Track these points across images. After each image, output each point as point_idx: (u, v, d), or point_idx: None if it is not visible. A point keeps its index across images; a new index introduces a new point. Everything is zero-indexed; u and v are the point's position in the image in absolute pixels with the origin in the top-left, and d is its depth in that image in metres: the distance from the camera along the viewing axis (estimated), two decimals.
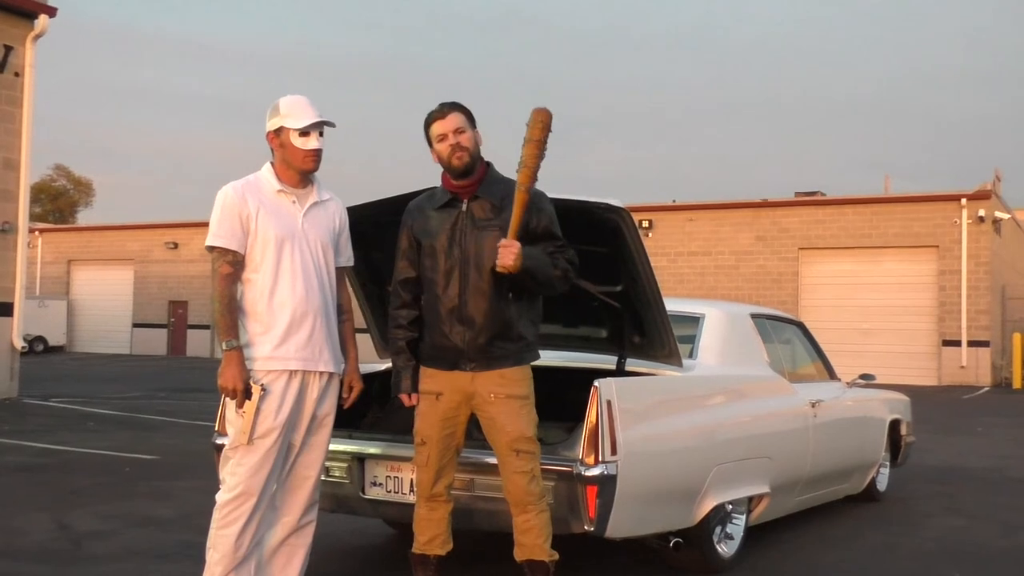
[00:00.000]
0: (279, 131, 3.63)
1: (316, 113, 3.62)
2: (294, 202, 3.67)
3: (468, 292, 3.63)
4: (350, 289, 4.06)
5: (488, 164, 3.76)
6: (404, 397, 3.80)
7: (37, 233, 37.16)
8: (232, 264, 3.56)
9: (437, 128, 3.67)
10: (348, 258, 3.88)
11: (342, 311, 3.83)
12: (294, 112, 3.61)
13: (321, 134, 3.64)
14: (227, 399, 3.55)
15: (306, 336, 3.59)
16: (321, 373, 3.65)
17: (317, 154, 3.64)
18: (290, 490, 3.70)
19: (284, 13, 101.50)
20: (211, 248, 3.59)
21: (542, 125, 3.52)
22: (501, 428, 3.62)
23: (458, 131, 3.65)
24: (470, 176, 3.69)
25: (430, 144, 3.72)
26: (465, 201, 3.71)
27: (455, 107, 3.70)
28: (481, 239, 3.65)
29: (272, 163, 3.70)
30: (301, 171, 3.66)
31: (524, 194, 3.54)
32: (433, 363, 3.73)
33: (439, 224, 3.71)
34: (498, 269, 3.54)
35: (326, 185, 3.81)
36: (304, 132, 3.60)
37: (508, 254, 3.50)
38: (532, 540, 3.60)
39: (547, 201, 3.74)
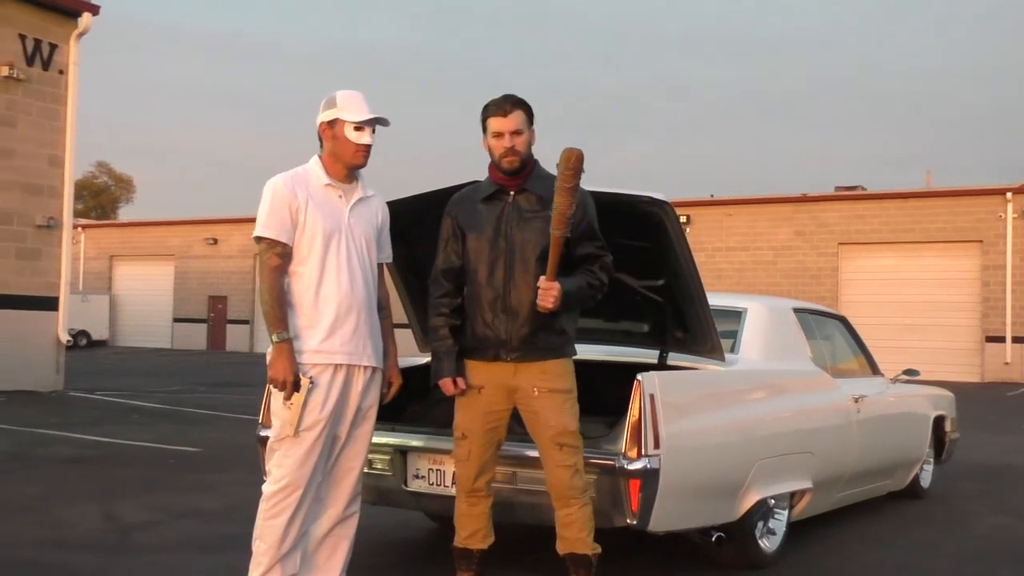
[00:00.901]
0: (333, 123, 3.65)
1: (372, 110, 3.65)
2: (340, 196, 3.70)
3: (513, 283, 3.64)
4: (389, 285, 4.08)
5: (536, 161, 3.77)
6: (448, 383, 3.75)
7: (80, 229, 37.72)
8: (281, 256, 3.59)
9: (495, 124, 3.66)
10: (388, 255, 3.91)
11: (381, 307, 3.85)
12: (351, 106, 3.64)
13: (374, 131, 3.67)
14: (273, 391, 3.59)
15: (351, 330, 3.62)
16: (365, 367, 3.68)
17: (368, 150, 3.66)
18: (335, 482, 3.73)
19: (330, 11, 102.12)
20: (259, 239, 3.62)
21: (574, 172, 3.44)
22: (545, 422, 3.62)
23: (516, 133, 3.65)
24: (519, 174, 3.70)
25: (484, 131, 3.72)
26: (512, 193, 3.72)
27: (518, 104, 3.67)
28: (526, 230, 3.66)
29: (320, 156, 3.73)
30: (350, 166, 3.68)
31: (559, 239, 3.51)
32: (475, 354, 3.74)
33: (485, 215, 3.73)
34: (539, 309, 3.55)
35: (370, 182, 3.83)
36: (359, 127, 3.62)
37: (548, 297, 3.52)
38: (575, 534, 3.61)
39: (591, 200, 3.73)
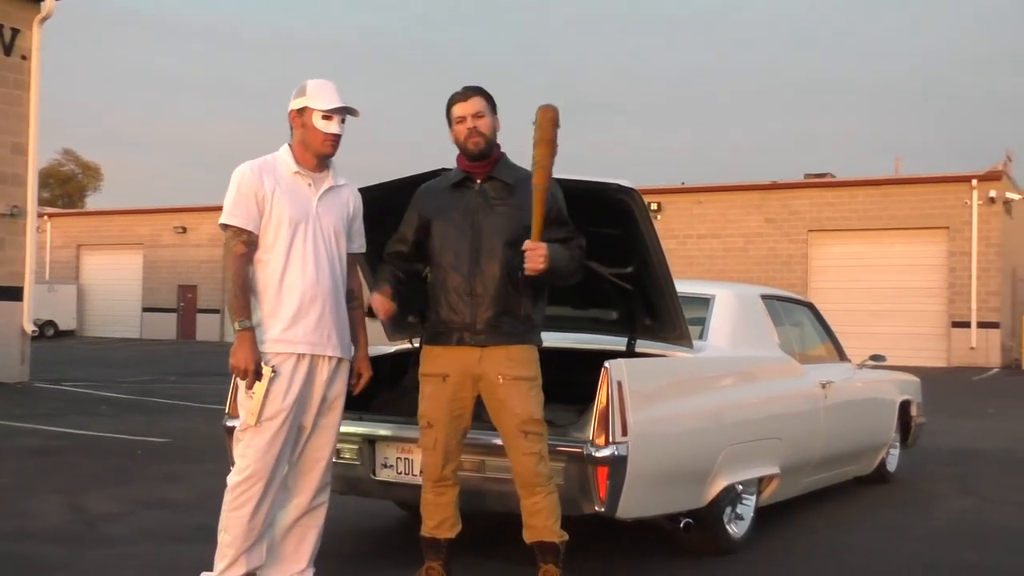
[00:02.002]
0: (302, 111, 3.63)
1: (341, 99, 3.63)
2: (310, 185, 3.67)
3: (479, 268, 3.66)
4: (361, 276, 4.07)
5: (503, 153, 3.80)
6: (377, 296, 3.73)
7: (46, 218, 37.26)
8: (246, 244, 3.57)
9: (457, 110, 3.72)
10: (360, 244, 3.89)
11: (352, 297, 3.83)
12: (320, 94, 3.62)
13: (343, 120, 3.65)
14: (238, 380, 3.56)
15: (315, 320, 3.60)
16: (330, 357, 3.65)
17: (336, 139, 3.64)
18: (302, 472, 3.71)
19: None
20: (225, 227, 3.59)
21: (551, 123, 3.51)
22: (510, 410, 3.62)
23: (477, 115, 3.69)
24: (485, 159, 3.73)
25: (449, 124, 3.76)
26: (479, 181, 3.74)
27: (477, 91, 3.74)
28: (493, 216, 3.69)
29: (290, 144, 3.71)
30: (319, 154, 3.66)
31: (543, 193, 3.53)
32: (438, 339, 3.74)
33: (451, 202, 3.76)
34: (527, 272, 3.55)
35: (342, 171, 3.81)
36: (327, 115, 3.60)
37: (537, 257, 3.53)
38: (541, 522, 3.62)
39: (558, 188, 3.75)
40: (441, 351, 3.73)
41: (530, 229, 3.58)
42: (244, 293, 3.55)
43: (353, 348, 3.80)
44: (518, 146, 3.79)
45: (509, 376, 3.64)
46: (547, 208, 3.60)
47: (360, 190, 3.95)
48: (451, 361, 3.70)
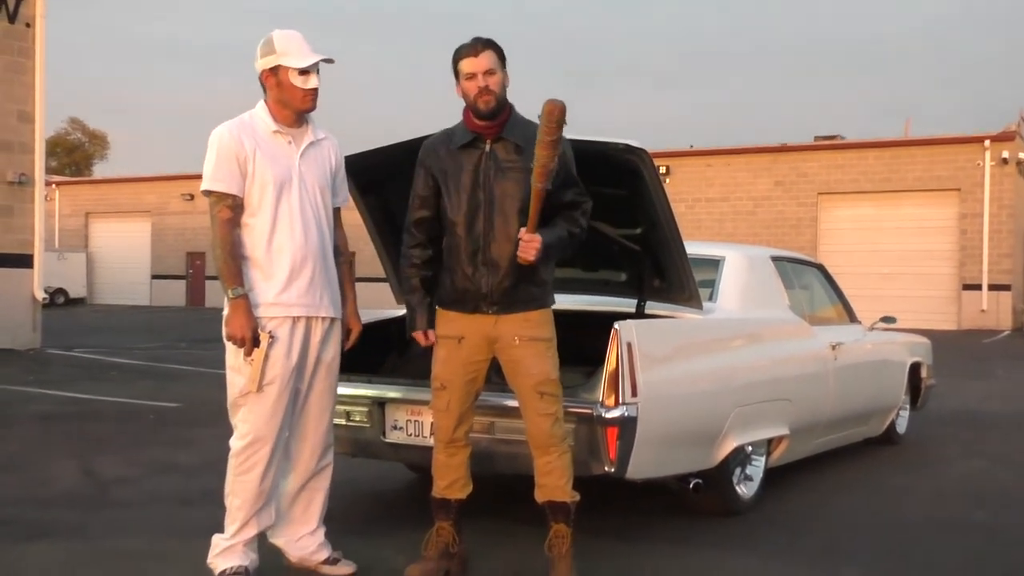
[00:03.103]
0: (275, 69, 3.52)
1: (313, 50, 3.53)
2: (290, 143, 3.59)
3: (493, 235, 3.58)
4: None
5: (512, 106, 3.67)
6: (420, 335, 3.73)
7: (54, 186, 37.28)
8: (232, 208, 3.49)
9: (467, 66, 3.56)
10: (344, 198, 3.82)
11: (339, 252, 3.76)
12: (291, 50, 3.51)
13: (318, 71, 3.56)
14: (229, 347, 3.52)
15: (307, 282, 3.54)
16: (323, 318, 3.62)
17: (315, 93, 3.55)
18: (303, 436, 3.69)
19: None
20: (208, 192, 3.52)
21: (557, 124, 3.36)
22: (526, 371, 3.60)
23: (488, 72, 3.55)
24: (495, 119, 3.61)
25: (456, 78, 3.62)
26: (488, 141, 3.63)
27: (488, 45, 3.58)
28: (506, 181, 3.58)
29: (265, 101, 3.60)
30: (299, 111, 3.58)
31: (540, 193, 3.44)
32: (454, 306, 3.69)
33: (461, 164, 3.63)
34: (519, 261, 3.51)
35: (322, 125, 3.72)
36: (304, 71, 3.51)
37: (530, 250, 3.47)
38: (554, 481, 3.61)
39: (568, 146, 3.67)
40: (456, 315, 3.69)
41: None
42: (234, 259, 3.48)
43: (343, 306, 3.74)
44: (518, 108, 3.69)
45: (525, 337, 3.61)
46: (555, 177, 3.50)
47: (360, 155, 3.88)
48: (466, 325, 3.66)
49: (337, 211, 3.78)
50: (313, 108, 3.59)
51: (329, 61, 3.58)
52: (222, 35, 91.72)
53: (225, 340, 3.50)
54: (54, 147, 53.21)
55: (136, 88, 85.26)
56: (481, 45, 3.57)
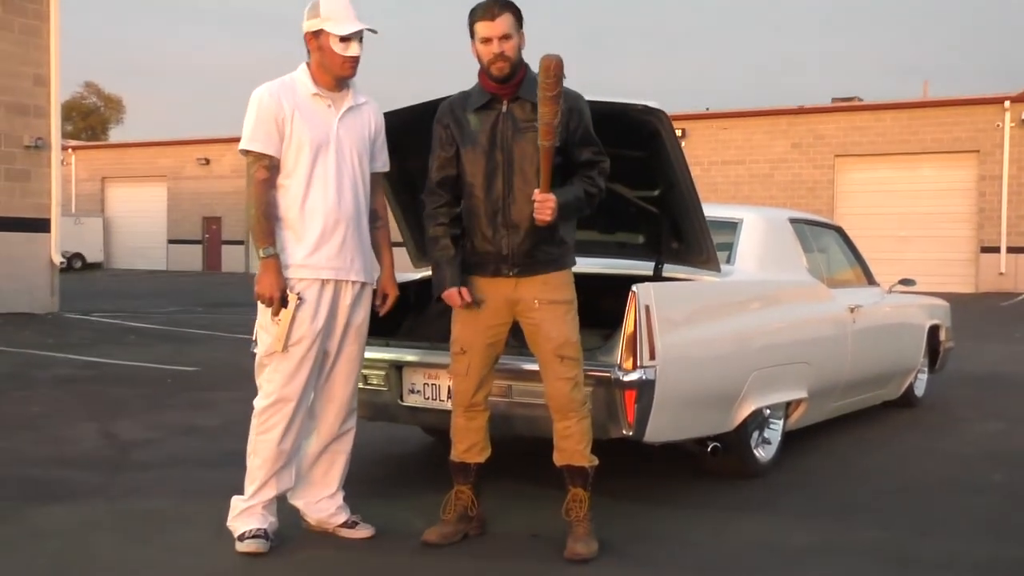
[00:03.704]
0: (318, 33, 3.54)
1: (357, 18, 3.53)
2: (329, 106, 3.60)
3: (512, 196, 3.56)
4: (384, 196, 4.01)
5: (527, 66, 3.63)
6: (453, 294, 3.61)
7: (70, 151, 37.34)
8: (268, 169, 3.51)
9: (483, 29, 3.52)
10: (384, 163, 3.82)
11: (377, 217, 3.78)
12: (335, 15, 3.51)
13: (360, 40, 3.56)
14: (261, 307, 3.56)
15: (338, 245, 3.56)
16: (353, 282, 3.62)
17: (355, 61, 3.56)
18: (328, 399, 3.72)
19: None
20: (246, 152, 3.54)
21: (555, 79, 3.32)
22: (546, 334, 3.58)
23: (504, 37, 3.50)
24: (510, 81, 3.57)
25: (472, 37, 3.57)
26: (505, 102, 3.59)
27: (506, 7, 3.52)
28: (523, 141, 3.55)
29: (308, 64, 3.63)
30: (339, 77, 3.58)
31: (548, 151, 3.41)
32: (474, 269, 3.67)
33: (478, 125, 3.60)
34: (536, 223, 3.47)
35: (362, 89, 3.73)
36: (345, 39, 3.51)
37: (545, 210, 3.43)
38: (572, 445, 3.61)
39: (585, 104, 3.63)
40: (475, 279, 3.66)
41: (559, 151, 3.48)
42: (267, 219, 3.51)
43: (378, 269, 3.77)
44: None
45: (545, 300, 3.59)
46: (565, 132, 3.49)
47: (384, 115, 3.87)
48: (486, 288, 3.64)
49: (376, 176, 3.77)
50: (352, 75, 3.59)
51: (372, 31, 3.57)
52: None
53: (255, 298, 3.52)
54: (70, 111, 53.26)
55: (152, 52, 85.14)
56: (498, 8, 3.52)
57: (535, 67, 3.39)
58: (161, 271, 34.92)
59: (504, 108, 3.59)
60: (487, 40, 3.52)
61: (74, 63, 66.44)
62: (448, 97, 3.78)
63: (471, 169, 3.61)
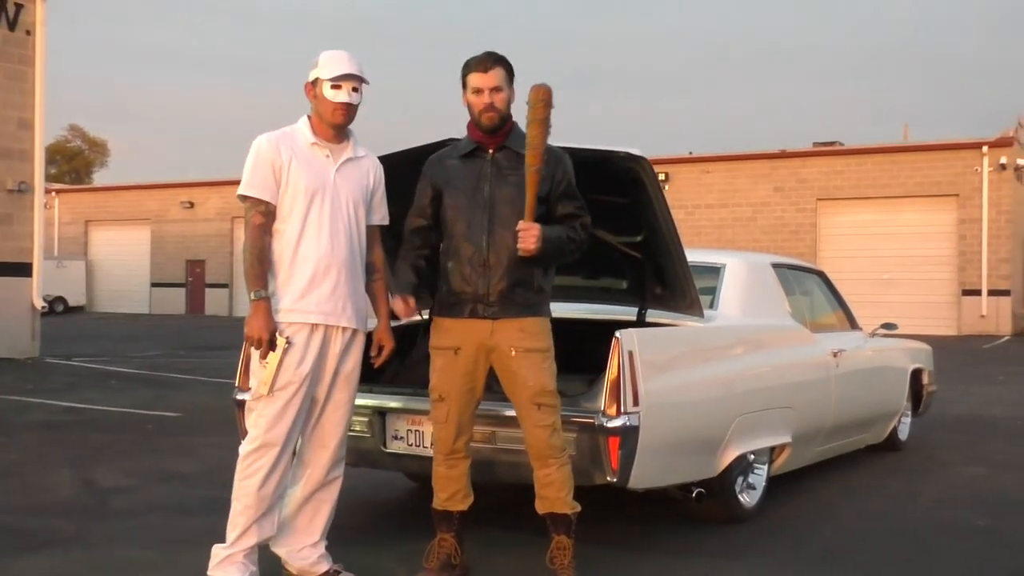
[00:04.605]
0: (315, 82, 3.61)
1: (351, 67, 3.58)
2: (327, 156, 3.64)
3: (492, 238, 3.60)
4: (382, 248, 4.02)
5: (515, 121, 3.72)
6: (399, 301, 3.66)
7: (54, 194, 37.29)
8: (264, 215, 3.56)
9: (475, 80, 3.62)
10: (382, 217, 3.84)
11: (374, 269, 3.80)
12: (330, 64, 3.59)
13: (356, 89, 3.60)
14: (252, 350, 3.55)
15: (329, 290, 3.57)
16: (344, 328, 3.63)
17: (346, 108, 3.59)
18: (316, 446, 3.70)
19: None
20: (243, 198, 3.58)
21: (544, 103, 3.43)
22: (523, 382, 3.59)
23: (495, 90, 3.60)
24: (497, 133, 3.66)
25: (464, 88, 3.67)
26: (491, 151, 3.68)
27: (499, 62, 3.63)
28: (506, 187, 3.63)
29: (309, 116, 3.69)
30: (331, 124, 3.62)
31: (536, 175, 3.49)
32: (450, 310, 3.69)
33: (464, 172, 3.69)
34: (520, 253, 3.52)
35: (362, 142, 3.77)
36: (335, 84, 3.56)
37: (530, 238, 3.49)
38: (554, 493, 3.60)
39: (569, 162, 3.71)
40: (452, 324, 3.68)
41: (542, 199, 3.56)
42: (261, 263, 3.54)
43: (370, 320, 3.78)
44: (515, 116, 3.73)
45: (522, 348, 3.60)
46: (550, 183, 3.59)
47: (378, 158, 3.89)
48: (463, 334, 3.66)
49: (374, 229, 3.80)
50: (344, 122, 3.63)
51: (360, 78, 3.60)
52: (222, 43, 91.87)
53: (245, 340, 3.54)
54: (54, 154, 53.25)
55: (137, 95, 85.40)
56: (491, 61, 3.62)
57: (517, 108, 3.47)
58: (144, 314, 34.73)
59: (489, 156, 3.67)
60: (479, 91, 3.61)
61: (59, 106, 66.48)
62: (437, 145, 3.87)
63: (453, 213, 3.67)
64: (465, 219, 3.64)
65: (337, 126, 3.63)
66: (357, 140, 3.74)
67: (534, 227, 3.50)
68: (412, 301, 3.68)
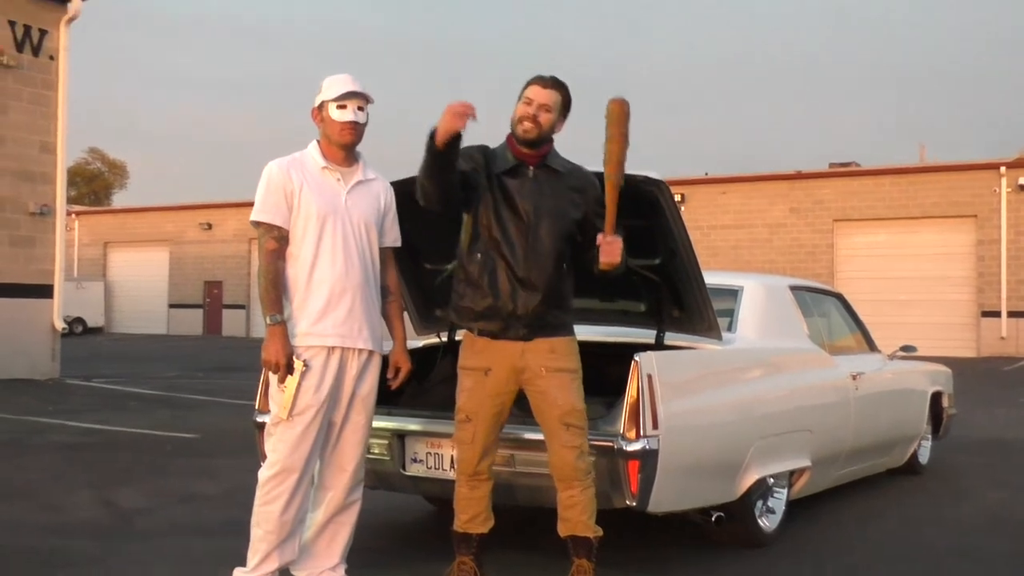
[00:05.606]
0: (321, 107, 3.66)
1: (354, 85, 3.62)
2: (338, 179, 3.68)
3: (532, 258, 3.62)
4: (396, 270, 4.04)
5: (554, 147, 3.76)
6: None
7: (74, 216, 37.59)
8: (277, 240, 3.59)
9: (531, 92, 3.66)
10: (395, 239, 3.86)
11: (388, 292, 3.83)
12: (333, 86, 3.64)
13: (361, 108, 3.64)
14: (270, 374, 3.57)
15: (345, 312, 3.59)
16: (360, 351, 3.64)
17: (353, 127, 3.63)
18: (335, 469, 3.71)
19: None
20: (256, 223, 3.62)
21: (624, 117, 3.48)
22: (552, 402, 3.60)
23: (544, 107, 3.63)
24: (534, 148, 3.67)
25: (519, 97, 3.69)
26: (532, 168, 3.70)
27: (560, 87, 3.68)
28: (546, 207, 3.65)
29: (318, 141, 3.72)
30: (340, 145, 3.65)
31: (616, 188, 3.52)
32: (482, 322, 3.67)
33: (505, 185, 3.68)
34: (602, 267, 3.56)
35: (372, 165, 3.80)
36: (341, 105, 3.60)
37: (615, 251, 3.53)
38: (577, 516, 3.60)
39: (597, 181, 3.73)
40: (484, 345, 3.68)
41: (578, 222, 3.64)
42: (276, 288, 3.57)
43: (389, 342, 3.80)
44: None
45: (552, 368, 3.62)
46: (585, 204, 3.66)
47: (391, 183, 3.93)
48: (494, 355, 3.66)
49: (387, 251, 3.83)
50: (352, 142, 3.67)
51: (363, 96, 3.64)
52: (241, 65, 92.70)
53: (263, 364, 3.57)
54: (74, 176, 53.71)
55: (156, 117, 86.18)
56: (553, 84, 3.67)
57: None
58: (162, 335, 34.89)
59: (530, 173, 3.69)
60: (529, 101, 3.65)
61: (79, 129, 67.29)
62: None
63: (490, 225, 3.66)
64: (504, 235, 3.64)
65: (346, 146, 3.66)
66: (367, 163, 3.77)
67: (618, 240, 3.55)
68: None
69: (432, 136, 3.40)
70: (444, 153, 3.42)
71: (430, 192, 3.56)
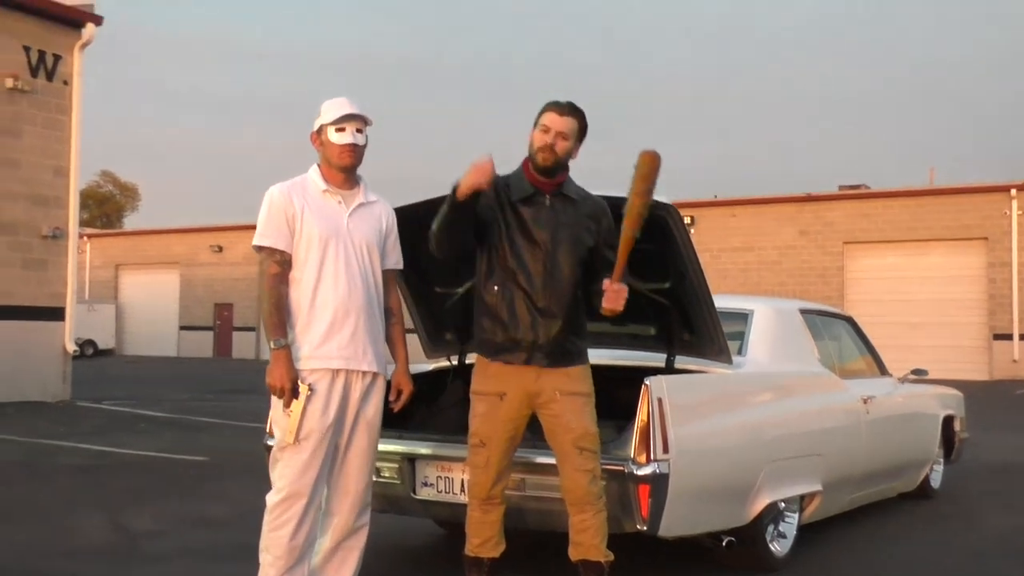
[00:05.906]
0: (320, 131, 3.68)
1: (352, 107, 3.64)
2: (340, 202, 3.69)
3: (551, 285, 3.64)
4: (399, 292, 4.06)
5: (570, 175, 3.78)
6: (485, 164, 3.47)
7: (85, 238, 37.82)
8: (280, 264, 3.60)
9: (547, 119, 3.68)
10: (396, 261, 3.88)
11: (391, 314, 3.83)
12: (331, 109, 3.66)
13: (360, 130, 3.66)
14: (273, 399, 3.58)
15: (349, 335, 3.60)
16: (364, 373, 3.64)
17: (353, 149, 3.64)
18: (342, 493, 3.71)
19: (334, 14, 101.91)
20: (259, 248, 3.63)
21: (654, 174, 3.50)
22: (566, 426, 3.61)
23: (561, 135, 3.66)
24: (551, 176, 3.69)
25: (535, 124, 3.71)
26: (548, 196, 3.71)
27: (577, 113, 3.70)
28: (563, 235, 3.67)
29: (318, 164, 3.74)
30: (339, 167, 3.67)
31: (630, 242, 3.54)
32: (501, 354, 3.68)
33: (521, 213, 3.69)
34: (604, 312, 3.57)
35: (373, 187, 3.83)
36: (339, 127, 3.62)
37: (620, 300, 3.54)
38: (589, 540, 3.59)
39: (610, 212, 3.76)
40: (499, 369, 3.69)
41: (590, 249, 3.67)
42: (279, 312, 3.57)
43: (392, 364, 3.80)
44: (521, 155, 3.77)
45: (566, 391, 3.63)
46: (597, 234, 3.70)
47: (395, 209, 3.95)
48: (509, 380, 3.67)
49: (389, 273, 3.84)
50: (352, 164, 3.68)
51: (362, 118, 3.66)
52: (253, 86, 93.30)
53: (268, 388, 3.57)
54: (86, 199, 54.03)
55: (167, 140, 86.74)
56: (570, 110, 3.69)
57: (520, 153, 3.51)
58: (172, 357, 34.98)
59: (547, 202, 3.70)
60: (547, 129, 3.66)
61: (90, 151, 67.64)
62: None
63: (512, 255, 3.67)
64: (522, 263, 3.66)
65: (346, 169, 3.67)
66: (367, 185, 3.79)
67: (624, 289, 3.55)
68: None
69: (454, 190, 3.49)
70: (464, 206, 3.51)
71: (444, 245, 3.66)
